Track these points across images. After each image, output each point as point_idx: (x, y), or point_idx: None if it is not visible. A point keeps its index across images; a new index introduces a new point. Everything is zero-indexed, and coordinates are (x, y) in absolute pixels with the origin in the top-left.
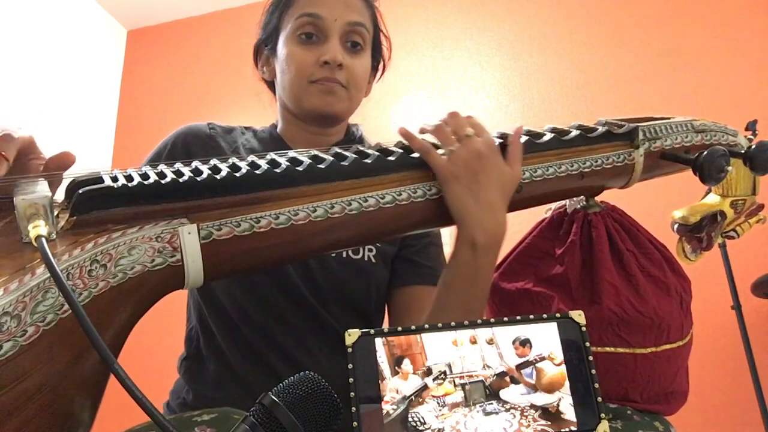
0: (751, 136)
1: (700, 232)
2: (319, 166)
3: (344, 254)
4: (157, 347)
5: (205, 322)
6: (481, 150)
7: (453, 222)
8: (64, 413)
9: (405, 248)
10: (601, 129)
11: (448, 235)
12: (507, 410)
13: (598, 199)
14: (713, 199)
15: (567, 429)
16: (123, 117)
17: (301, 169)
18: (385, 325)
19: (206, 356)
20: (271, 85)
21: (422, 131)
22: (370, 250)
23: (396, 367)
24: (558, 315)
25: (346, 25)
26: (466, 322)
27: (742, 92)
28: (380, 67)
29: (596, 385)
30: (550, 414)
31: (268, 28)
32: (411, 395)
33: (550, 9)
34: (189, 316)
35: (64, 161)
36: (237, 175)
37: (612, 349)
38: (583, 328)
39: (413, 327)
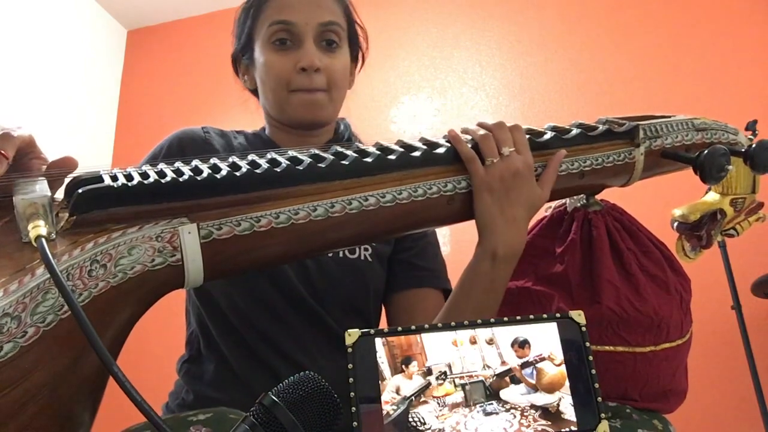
0: (751, 136)
1: (699, 230)
2: (320, 165)
3: (341, 254)
4: (156, 348)
5: (203, 324)
6: (519, 168)
7: (450, 222)
8: (64, 414)
9: (403, 251)
10: (601, 127)
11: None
12: (507, 410)
13: (598, 197)
14: (713, 197)
15: (567, 429)
16: (123, 117)
17: (301, 168)
18: (384, 325)
19: (206, 357)
20: (255, 92)
21: (465, 131)
22: (366, 250)
23: (402, 366)
24: (558, 315)
25: (318, 26)
26: (466, 322)
27: (742, 92)
28: (360, 57)
29: (596, 385)
30: (550, 414)
31: (242, 37)
32: (411, 395)
33: (550, 9)
34: (188, 319)
35: (66, 165)
36: (237, 174)
37: (611, 348)
38: (583, 328)
39: (413, 327)
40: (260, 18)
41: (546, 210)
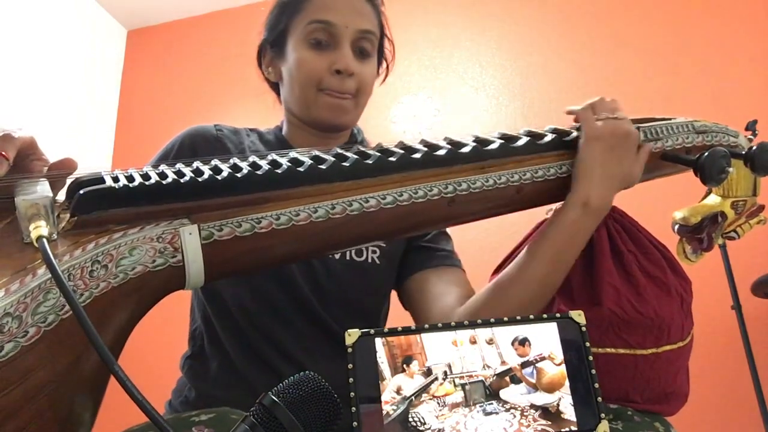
0: (751, 136)
1: (700, 232)
2: (320, 166)
3: (347, 256)
4: (160, 345)
5: (209, 321)
6: (629, 130)
7: (451, 223)
8: (65, 414)
9: (417, 238)
10: None
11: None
12: (507, 410)
13: None
14: (714, 199)
15: (567, 429)
16: (123, 117)
17: (302, 169)
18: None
19: (209, 355)
20: (274, 86)
21: (572, 112)
22: (374, 252)
23: (404, 365)
24: (558, 315)
25: (357, 32)
26: (466, 322)
27: (742, 92)
28: (384, 70)
29: (596, 385)
30: (550, 414)
31: (275, 29)
32: (412, 395)
33: (550, 9)
34: (193, 315)
35: (66, 167)
36: (238, 175)
37: (613, 350)
38: (583, 328)
39: (413, 327)
40: (299, 14)
41: (546, 212)
